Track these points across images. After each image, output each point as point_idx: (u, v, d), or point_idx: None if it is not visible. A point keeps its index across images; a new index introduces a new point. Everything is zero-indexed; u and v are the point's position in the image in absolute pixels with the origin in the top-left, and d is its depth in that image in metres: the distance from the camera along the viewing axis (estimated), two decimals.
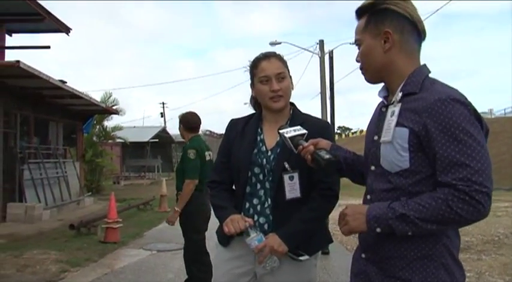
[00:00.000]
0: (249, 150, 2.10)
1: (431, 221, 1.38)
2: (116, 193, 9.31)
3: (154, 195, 14.33)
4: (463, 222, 1.39)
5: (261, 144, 2.12)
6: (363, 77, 1.65)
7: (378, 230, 1.46)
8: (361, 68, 1.65)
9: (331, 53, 22.17)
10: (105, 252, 6.98)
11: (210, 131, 45.39)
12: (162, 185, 13.62)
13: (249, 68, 2.18)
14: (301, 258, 2.01)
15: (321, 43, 22.65)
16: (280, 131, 1.89)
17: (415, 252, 1.47)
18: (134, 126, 31.81)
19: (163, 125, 40.34)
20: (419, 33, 1.56)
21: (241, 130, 2.18)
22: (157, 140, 31.18)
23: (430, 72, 1.56)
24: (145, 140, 29.66)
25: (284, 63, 2.14)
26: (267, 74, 2.08)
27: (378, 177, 1.55)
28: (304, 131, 1.86)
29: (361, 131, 57.09)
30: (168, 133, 34.63)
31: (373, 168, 1.59)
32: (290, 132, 1.85)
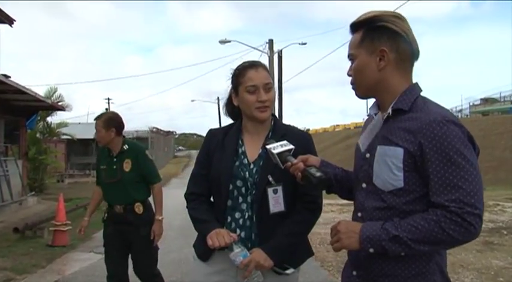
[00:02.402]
0: (230, 163, 2.05)
1: (423, 242, 1.40)
2: (60, 192, 8.91)
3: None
4: (454, 243, 1.43)
5: (242, 157, 2.07)
6: (353, 92, 1.64)
7: (371, 250, 1.46)
8: (352, 83, 1.64)
9: (280, 53, 22.44)
10: (54, 256, 6.68)
11: (157, 128, 44.75)
12: None
13: (231, 75, 2.12)
14: (287, 272, 1.99)
15: (271, 43, 22.97)
16: (268, 147, 1.84)
17: (409, 271, 1.48)
18: (79, 123, 30.86)
19: None
20: (413, 52, 1.57)
21: (221, 141, 2.12)
22: None
23: (421, 90, 1.57)
24: (92, 136, 28.66)
25: (269, 73, 2.10)
26: (256, 83, 2.02)
27: (370, 195, 1.55)
28: (292, 147, 1.82)
29: (308, 130, 58.27)
30: None
31: (364, 185, 1.58)
32: (277, 147, 1.81)
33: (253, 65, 2.09)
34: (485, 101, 48.83)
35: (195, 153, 62.94)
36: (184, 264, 5.96)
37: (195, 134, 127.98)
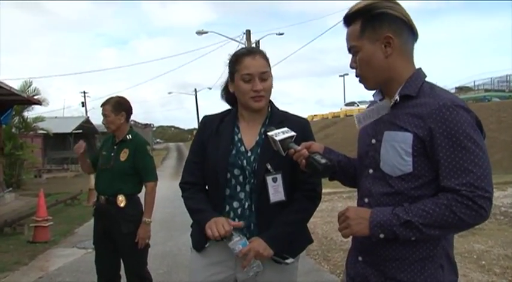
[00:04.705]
0: (227, 150, 2.00)
1: (435, 226, 1.41)
2: (38, 187, 8.74)
3: (81, 188, 13.70)
4: (465, 227, 1.43)
5: (239, 144, 2.03)
6: (362, 85, 1.61)
7: (382, 235, 1.46)
8: (358, 76, 1.60)
9: (257, 43, 22.41)
10: (36, 253, 6.54)
11: (135, 121, 44.50)
12: (90, 177, 13.01)
13: (228, 61, 2.06)
14: (287, 261, 1.97)
15: (248, 33, 22.88)
16: (269, 134, 1.80)
17: (417, 255, 1.49)
18: (56, 117, 30.45)
19: (84, 114, 38.87)
20: (414, 35, 1.56)
21: (216, 128, 2.07)
22: (81, 130, 29.96)
23: (426, 76, 1.57)
24: (69, 131, 28.54)
25: (268, 61, 2.04)
26: (251, 72, 1.97)
27: (377, 181, 1.54)
28: (293, 133, 1.78)
29: None
30: (91, 123, 33.40)
31: (371, 171, 1.57)
32: (279, 134, 1.77)
33: (251, 52, 2.03)
34: (460, 89, 49.63)
35: (173, 145, 62.36)
36: (170, 257, 5.93)
37: (173, 126, 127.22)
